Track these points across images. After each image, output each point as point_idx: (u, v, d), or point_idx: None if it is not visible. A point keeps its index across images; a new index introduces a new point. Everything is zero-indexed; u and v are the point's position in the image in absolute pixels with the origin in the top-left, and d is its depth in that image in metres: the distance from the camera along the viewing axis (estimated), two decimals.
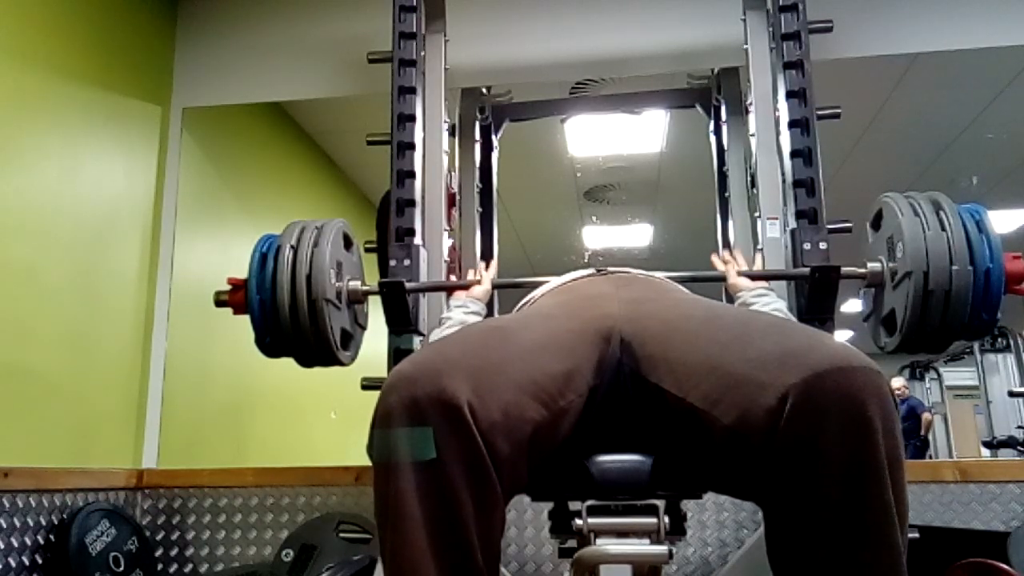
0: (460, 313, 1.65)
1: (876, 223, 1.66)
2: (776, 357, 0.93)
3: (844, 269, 1.65)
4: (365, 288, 1.75)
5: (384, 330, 1.84)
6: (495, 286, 1.78)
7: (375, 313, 1.84)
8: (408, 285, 1.75)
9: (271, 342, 1.66)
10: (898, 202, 1.57)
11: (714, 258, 1.85)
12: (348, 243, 1.76)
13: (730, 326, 1.07)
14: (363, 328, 1.83)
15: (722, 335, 1.05)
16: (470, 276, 1.82)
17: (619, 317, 1.16)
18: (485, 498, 0.90)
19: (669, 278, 1.52)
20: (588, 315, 1.18)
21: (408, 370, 0.94)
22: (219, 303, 1.70)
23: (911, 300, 1.49)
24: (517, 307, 1.47)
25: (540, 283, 1.50)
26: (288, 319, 1.61)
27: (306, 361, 1.70)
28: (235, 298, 1.68)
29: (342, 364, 1.72)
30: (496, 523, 0.93)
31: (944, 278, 1.47)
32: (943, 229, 1.50)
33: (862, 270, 1.64)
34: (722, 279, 1.75)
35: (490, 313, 1.88)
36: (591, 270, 1.45)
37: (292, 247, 1.64)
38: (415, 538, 0.87)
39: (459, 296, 1.73)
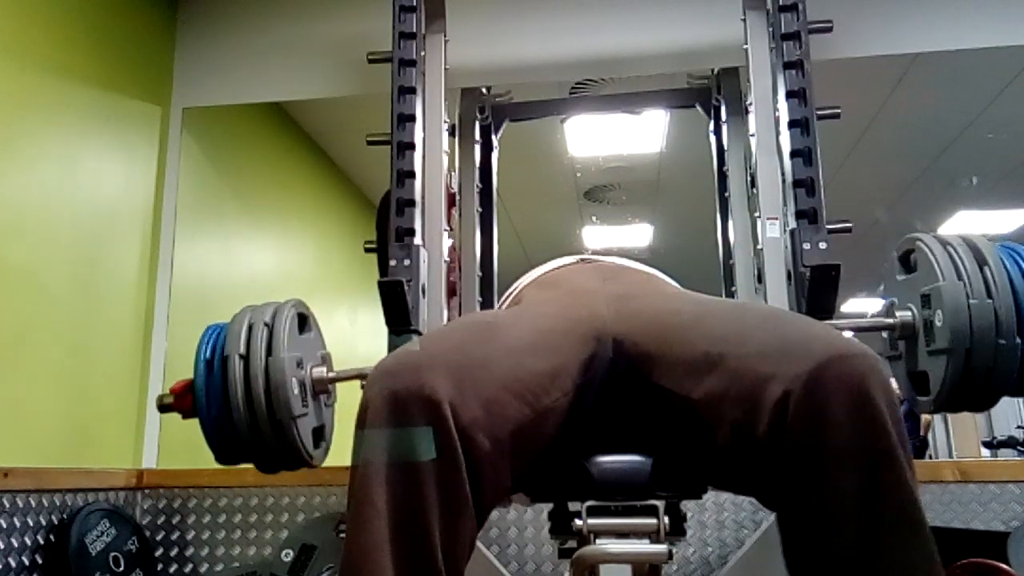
0: None
1: (905, 262, 1.50)
2: (776, 349, 0.93)
3: (870, 319, 1.51)
4: (332, 375, 1.56)
5: (384, 331, 1.84)
6: None
7: (375, 313, 1.84)
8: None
9: (228, 455, 1.44)
10: (934, 251, 1.37)
11: None
12: (303, 323, 1.54)
13: (724, 320, 1.07)
14: (331, 408, 1.65)
15: (718, 329, 1.04)
16: None
17: (608, 317, 1.15)
18: (452, 498, 0.88)
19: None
20: (576, 315, 1.16)
21: (390, 365, 0.93)
22: (163, 408, 1.46)
23: (949, 374, 1.33)
24: (504, 298, 1.47)
25: None
26: (248, 436, 1.39)
27: (270, 470, 1.50)
28: (183, 403, 1.43)
29: (311, 466, 1.53)
30: (462, 526, 0.90)
31: (988, 355, 1.31)
32: (988, 296, 1.31)
33: (890, 320, 1.46)
34: None
35: (490, 306, 1.86)
36: (576, 257, 1.44)
37: (241, 356, 1.38)
38: (374, 527, 0.85)
39: None
